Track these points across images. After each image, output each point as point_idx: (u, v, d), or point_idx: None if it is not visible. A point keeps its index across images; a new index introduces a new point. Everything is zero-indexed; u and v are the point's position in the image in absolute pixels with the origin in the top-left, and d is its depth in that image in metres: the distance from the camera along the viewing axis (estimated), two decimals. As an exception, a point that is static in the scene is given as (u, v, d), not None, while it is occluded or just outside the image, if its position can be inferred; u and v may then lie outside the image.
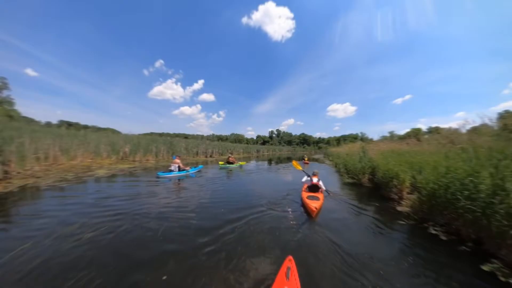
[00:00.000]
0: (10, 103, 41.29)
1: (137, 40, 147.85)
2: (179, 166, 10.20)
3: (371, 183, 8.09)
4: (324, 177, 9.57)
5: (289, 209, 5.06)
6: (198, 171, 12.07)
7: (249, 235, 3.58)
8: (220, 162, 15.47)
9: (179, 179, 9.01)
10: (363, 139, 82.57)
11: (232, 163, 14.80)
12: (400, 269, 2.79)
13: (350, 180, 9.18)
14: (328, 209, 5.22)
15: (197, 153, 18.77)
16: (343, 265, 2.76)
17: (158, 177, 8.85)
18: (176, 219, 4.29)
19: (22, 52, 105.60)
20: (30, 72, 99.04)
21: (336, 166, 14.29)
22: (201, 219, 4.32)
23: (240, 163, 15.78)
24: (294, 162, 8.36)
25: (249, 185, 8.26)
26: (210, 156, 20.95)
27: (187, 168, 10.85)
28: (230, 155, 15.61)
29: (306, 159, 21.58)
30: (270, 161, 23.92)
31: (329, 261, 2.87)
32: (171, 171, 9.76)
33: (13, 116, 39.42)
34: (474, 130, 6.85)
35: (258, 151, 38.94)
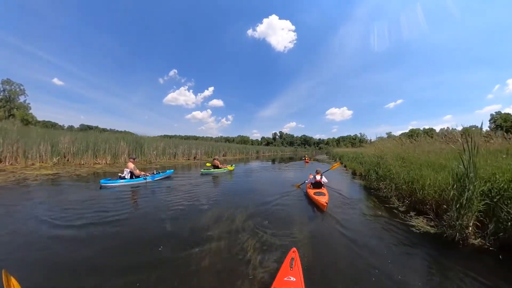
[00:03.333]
0: (26, 107, 38.69)
1: (153, 52, 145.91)
2: (131, 172, 6.80)
3: (499, 246, 2.95)
4: (361, 209, 4.99)
5: (297, 204, 4.83)
6: (164, 178, 7.92)
7: (255, 236, 3.08)
8: (207, 164, 11.12)
9: (131, 188, 6.16)
10: (362, 140, 76.93)
11: (217, 167, 10.21)
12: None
13: (426, 226, 3.57)
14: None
15: (175, 155, 13.76)
16: (349, 258, 2.54)
17: (101, 187, 5.95)
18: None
19: (50, 63, 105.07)
20: (56, 81, 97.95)
21: (356, 175, 9.38)
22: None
23: (229, 167, 11.10)
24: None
25: (227, 194, 5.73)
26: (194, 158, 15.95)
27: (144, 174, 7.23)
28: (215, 157, 10.90)
29: (306, 158, 20.12)
30: (273, 161, 21.27)
31: (336, 253, 2.69)
32: (121, 178, 6.60)
33: (27, 120, 36.59)
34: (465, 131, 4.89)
35: (258, 151, 33.54)
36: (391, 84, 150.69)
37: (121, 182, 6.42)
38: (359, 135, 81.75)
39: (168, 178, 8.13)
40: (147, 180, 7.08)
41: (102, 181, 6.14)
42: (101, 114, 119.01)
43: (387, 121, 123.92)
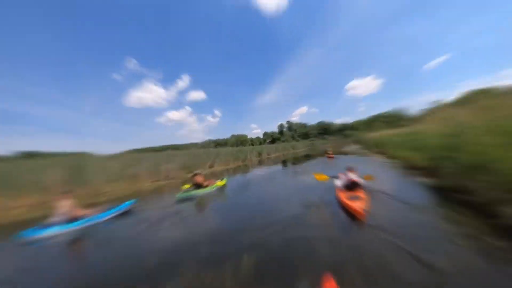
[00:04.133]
0: None
1: (99, 41, 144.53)
2: (69, 213, 6.20)
3: None
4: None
5: (324, 216, 4.83)
6: (120, 215, 7.25)
7: (274, 254, 3.45)
8: (185, 185, 9.92)
9: (66, 238, 5.59)
10: (402, 117, 74.85)
11: (201, 186, 9.23)
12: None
13: None
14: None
15: (135, 177, 12.45)
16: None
17: (22, 241, 5.43)
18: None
19: None
20: None
21: (413, 169, 8.23)
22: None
23: (218, 182, 10.19)
24: (316, 176, 7.90)
25: (216, 229, 5.11)
26: (167, 178, 14.50)
27: (88, 213, 6.58)
28: (196, 172, 9.85)
29: (330, 152, 20.50)
30: (284, 163, 20.17)
31: (386, 277, 2.63)
32: (52, 225, 5.96)
33: None
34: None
35: (260, 154, 31.88)
36: (432, 35, 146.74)
37: (52, 231, 5.82)
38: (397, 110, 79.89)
39: (127, 213, 7.39)
40: (95, 221, 6.48)
41: (23, 233, 5.62)
42: (48, 134, 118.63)
43: (429, 87, 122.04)
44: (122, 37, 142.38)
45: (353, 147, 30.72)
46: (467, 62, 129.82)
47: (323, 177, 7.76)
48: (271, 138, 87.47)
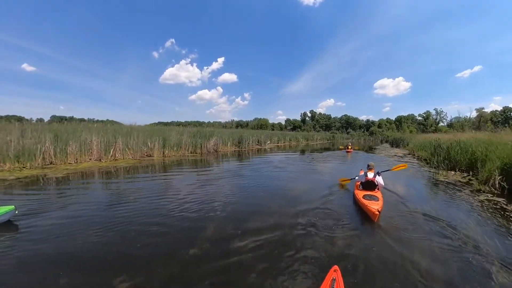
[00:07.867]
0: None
1: (143, 21, 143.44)
2: None
3: None
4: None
5: (339, 212, 4.94)
6: None
7: (286, 245, 3.47)
8: None
9: None
10: (438, 121, 66.87)
11: None
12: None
13: None
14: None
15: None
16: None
17: None
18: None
19: (17, 47, 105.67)
20: (26, 67, 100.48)
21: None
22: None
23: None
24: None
25: None
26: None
27: None
28: None
29: (349, 147, 21.71)
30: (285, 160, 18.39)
31: (392, 277, 2.73)
32: None
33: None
34: None
35: (259, 141, 25.91)
36: (468, 44, 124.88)
37: None
38: (433, 113, 71.73)
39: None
40: None
41: None
42: (84, 103, 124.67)
43: (459, 96, 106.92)
44: (164, 19, 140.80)
45: (387, 149, 26.07)
46: (502, 74, 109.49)
47: (343, 181, 7.42)
48: (292, 126, 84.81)
